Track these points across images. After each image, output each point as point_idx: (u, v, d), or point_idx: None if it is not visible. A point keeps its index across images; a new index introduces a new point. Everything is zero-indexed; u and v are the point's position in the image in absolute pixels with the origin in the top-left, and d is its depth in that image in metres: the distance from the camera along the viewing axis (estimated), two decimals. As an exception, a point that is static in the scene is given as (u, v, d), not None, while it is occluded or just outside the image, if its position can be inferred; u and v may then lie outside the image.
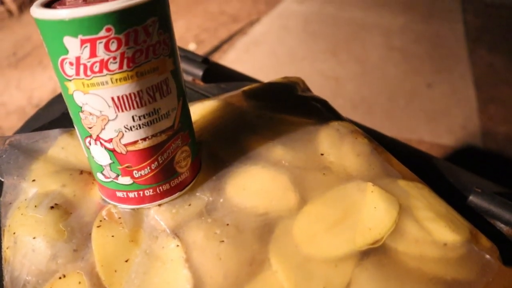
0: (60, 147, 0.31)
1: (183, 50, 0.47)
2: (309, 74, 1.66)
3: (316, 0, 2.30)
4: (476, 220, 0.30)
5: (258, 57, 1.81)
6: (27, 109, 1.55)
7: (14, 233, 0.25)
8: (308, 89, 0.39)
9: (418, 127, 1.40)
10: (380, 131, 0.41)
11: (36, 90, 1.65)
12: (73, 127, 0.25)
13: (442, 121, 1.43)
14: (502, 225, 0.31)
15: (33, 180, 0.28)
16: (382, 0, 2.30)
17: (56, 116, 0.39)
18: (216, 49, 1.87)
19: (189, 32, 2.03)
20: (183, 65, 0.44)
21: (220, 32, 2.01)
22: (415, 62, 1.76)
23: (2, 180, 0.29)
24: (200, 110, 0.34)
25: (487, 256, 0.25)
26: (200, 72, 0.43)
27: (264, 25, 2.07)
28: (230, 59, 1.79)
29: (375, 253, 0.25)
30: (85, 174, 0.29)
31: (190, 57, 0.45)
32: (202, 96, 0.41)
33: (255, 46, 1.89)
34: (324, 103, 0.36)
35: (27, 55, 1.90)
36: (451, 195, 0.32)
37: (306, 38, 1.96)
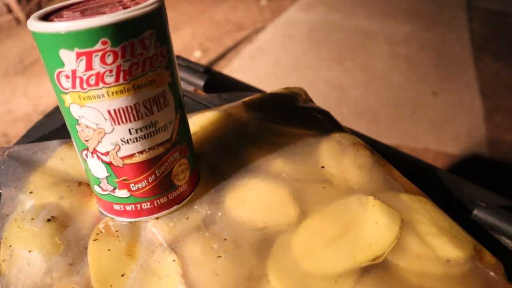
0: (59, 158, 0.31)
1: (184, 59, 0.47)
2: (313, 82, 1.66)
3: (320, 8, 2.31)
4: (481, 235, 0.30)
5: (263, 65, 1.82)
6: (33, 116, 1.56)
7: (10, 246, 0.25)
8: (310, 100, 0.39)
9: (424, 136, 1.39)
10: (384, 140, 0.41)
11: (43, 97, 1.66)
12: (73, 138, 0.25)
13: (448, 130, 1.41)
14: (507, 241, 0.30)
15: (31, 192, 0.28)
16: (387, 8, 2.30)
17: (57, 126, 0.39)
18: (221, 57, 1.88)
19: (194, 40, 2.04)
20: (185, 75, 0.44)
21: (225, 40, 2.02)
22: (420, 70, 1.75)
23: (0, 191, 0.29)
24: (200, 121, 0.33)
25: (492, 273, 0.25)
26: (201, 82, 0.43)
27: (269, 33, 2.08)
28: (235, 67, 1.79)
29: (376, 270, 0.24)
30: (83, 185, 0.29)
31: (191, 67, 0.45)
32: (203, 107, 0.41)
33: (260, 54, 1.89)
34: (325, 114, 0.36)
35: (34, 63, 1.91)
36: (455, 209, 0.31)
37: (310, 46, 1.96)
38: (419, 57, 1.85)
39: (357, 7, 2.33)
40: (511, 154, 1.32)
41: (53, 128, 0.38)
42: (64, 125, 0.39)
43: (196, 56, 1.89)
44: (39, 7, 2.33)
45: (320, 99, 0.38)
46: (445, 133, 1.40)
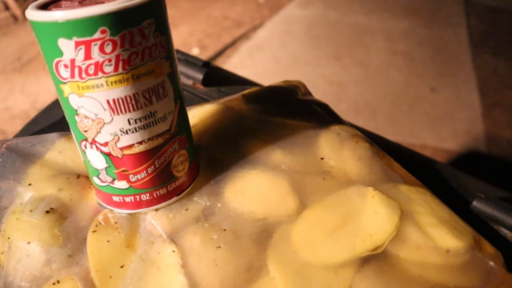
0: (57, 151, 0.31)
1: (183, 53, 0.46)
2: (312, 78, 1.66)
3: (319, 5, 2.31)
4: (480, 226, 0.30)
5: (261, 62, 1.81)
6: (31, 113, 1.55)
7: (8, 238, 0.25)
8: (309, 93, 0.39)
9: (422, 132, 1.39)
10: (383, 135, 0.41)
11: (40, 94, 1.65)
12: (71, 130, 0.25)
13: (446, 126, 1.42)
14: (506, 231, 0.30)
15: (29, 184, 0.28)
16: (385, 5, 2.30)
17: (55, 120, 0.39)
18: (220, 54, 1.87)
19: (192, 37, 2.03)
20: (184, 69, 0.44)
21: (223, 37, 2.01)
22: (418, 67, 1.76)
23: (-1, 184, 0.29)
24: (199, 114, 0.33)
25: (491, 263, 0.25)
26: (200, 76, 0.43)
27: (268, 30, 2.07)
28: (234, 64, 1.79)
29: (376, 260, 0.24)
30: (82, 178, 0.29)
31: (190, 60, 0.45)
32: (202, 100, 0.41)
33: (258, 51, 1.89)
34: (324, 107, 0.36)
35: (32, 60, 1.91)
36: (454, 201, 0.31)
37: (309, 43, 1.96)
38: (417, 54, 1.85)
39: (355, 3, 2.33)
40: (509, 150, 1.33)
41: (52, 121, 0.38)
42: (62, 118, 0.39)
43: (194, 53, 1.89)
44: (36, 4, 2.31)
45: (319, 95, 0.38)
46: (443, 129, 1.41)
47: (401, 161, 0.32)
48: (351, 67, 1.76)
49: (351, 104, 1.52)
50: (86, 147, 0.24)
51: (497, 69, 1.73)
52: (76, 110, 0.22)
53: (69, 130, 0.25)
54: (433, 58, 1.81)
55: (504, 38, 1.96)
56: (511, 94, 1.57)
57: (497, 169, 1.26)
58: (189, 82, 0.44)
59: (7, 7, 2.24)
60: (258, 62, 1.81)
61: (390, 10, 2.23)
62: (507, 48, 1.88)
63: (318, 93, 0.41)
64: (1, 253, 0.25)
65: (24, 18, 2.25)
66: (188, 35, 2.04)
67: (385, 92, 1.60)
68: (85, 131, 0.23)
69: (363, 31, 2.04)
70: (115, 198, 0.25)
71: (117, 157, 0.23)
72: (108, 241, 0.24)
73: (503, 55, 1.81)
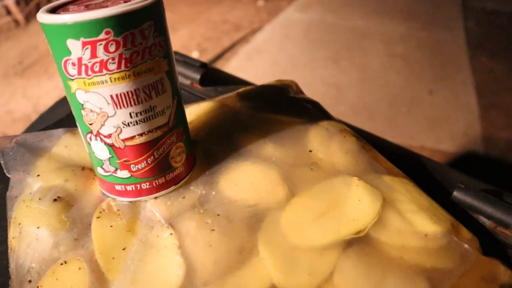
0: (63, 145, 0.33)
1: (181, 55, 0.49)
2: (310, 81, 1.68)
3: (317, 8, 2.33)
4: (460, 215, 0.32)
5: (260, 65, 1.84)
6: (33, 116, 1.57)
7: (19, 224, 0.27)
8: (300, 91, 0.41)
9: (420, 134, 1.41)
10: (381, 136, 0.42)
11: (42, 98, 1.68)
12: (76, 127, 0.27)
13: (444, 128, 1.43)
14: (485, 220, 0.32)
15: (38, 175, 0.30)
16: (383, 9, 2.32)
17: (59, 118, 0.41)
18: (219, 57, 1.90)
19: (192, 40, 2.06)
20: (182, 69, 0.46)
21: (222, 41, 2.04)
22: (416, 69, 1.78)
23: (9, 175, 0.31)
24: (196, 111, 0.35)
25: (466, 246, 0.27)
26: (197, 76, 0.45)
27: (266, 33, 2.10)
28: (233, 67, 1.81)
29: (359, 243, 0.26)
30: (87, 170, 0.31)
31: (188, 61, 0.47)
32: (199, 99, 0.43)
33: (257, 54, 1.91)
34: (315, 104, 0.38)
35: (33, 64, 1.93)
36: (437, 191, 0.33)
37: (307, 46, 1.98)
38: (415, 56, 1.87)
39: (353, 7, 2.35)
40: (506, 151, 1.34)
41: (57, 119, 0.40)
42: (67, 116, 0.41)
43: (194, 56, 1.91)
44: (38, 8, 2.34)
45: (317, 98, 0.40)
46: (441, 131, 1.42)
47: (387, 155, 0.34)
48: (349, 70, 1.78)
49: (349, 107, 1.54)
50: (91, 139, 0.26)
51: (494, 71, 1.75)
52: (82, 105, 0.24)
53: (73, 127, 0.27)
54: (431, 61, 1.83)
55: (501, 40, 1.98)
56: (508, 96, 1.59)
57: (494, 170, 1.27)
58: (188, 82, 0.46)
59: (8, 12, 2.27)
60: (257, 65, 1.83)
61: (388, 14, 2.26)
62: (504, 50, 1.90)
63: (317, 95, 0.43)
64: (13, 238, 0.27)
65: (26, 22, 2.28)
66: (187, 38, 2.07)
67: (383, 94, 1.62)
68: (90, 124, 0.25)
69: (361, 35, 2.06)
70: (118, 187, 0.27)
71: (119, 148, 0.25)
72: (111, 226, 0.26)
73: (500, 57, 1.83)
